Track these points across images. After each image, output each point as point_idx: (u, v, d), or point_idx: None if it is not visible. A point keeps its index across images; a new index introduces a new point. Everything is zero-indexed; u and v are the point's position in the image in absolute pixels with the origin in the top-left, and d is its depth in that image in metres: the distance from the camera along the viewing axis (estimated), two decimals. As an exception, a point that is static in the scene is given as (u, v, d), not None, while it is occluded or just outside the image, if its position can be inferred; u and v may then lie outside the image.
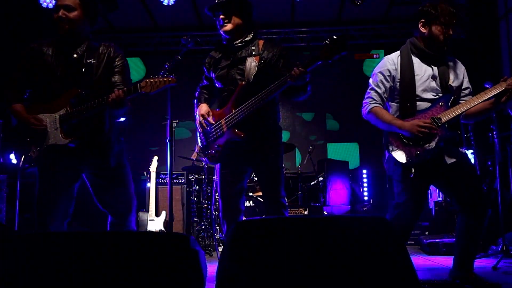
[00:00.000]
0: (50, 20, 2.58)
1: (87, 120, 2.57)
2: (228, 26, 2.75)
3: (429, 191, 5.61)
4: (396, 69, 2.70)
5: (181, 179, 6.06)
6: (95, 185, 2.67)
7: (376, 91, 2.72)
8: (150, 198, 5.55)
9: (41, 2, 5.96)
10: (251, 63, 2.77)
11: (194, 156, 5.59)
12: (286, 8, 7.11)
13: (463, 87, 2.72)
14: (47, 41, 2.64)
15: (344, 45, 2.43)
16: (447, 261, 3.89)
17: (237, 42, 2.78)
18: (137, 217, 5.46)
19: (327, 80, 7.52)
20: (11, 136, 2.69)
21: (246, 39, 2.78)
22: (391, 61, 2.73)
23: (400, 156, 2.61)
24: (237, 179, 2.82)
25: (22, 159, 2.56)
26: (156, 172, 5.69)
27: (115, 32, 7.67)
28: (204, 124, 2.84)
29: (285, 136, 7.58)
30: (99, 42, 2.68)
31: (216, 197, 5.11)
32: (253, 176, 5.10)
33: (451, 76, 2.68)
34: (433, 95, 2.65)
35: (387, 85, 2.71)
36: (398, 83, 2.68)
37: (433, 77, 2.66)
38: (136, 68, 7.86)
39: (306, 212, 5.32)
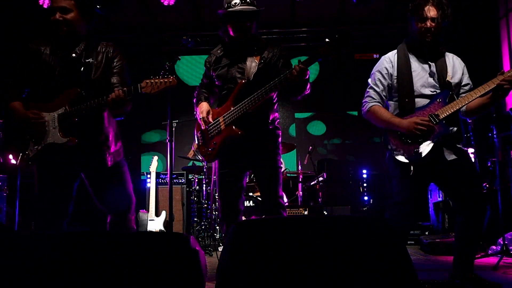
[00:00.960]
0: (48, 20, 2.58)
1: (85, 120, 2.56)
2: (243, 34, 2.75)
3: (429, 191, 5.62)
4: (393, 66, 2.71)
5: (181, 179, 6.06)
6: (93, 184, 2.67)
7: (374, 90, 2.73)
8: (150, 198, 5.55)
9: (41, 3, 5.96)
10: (252, 63, 2.78)
11: (190, 154, 5.58)
12: (286, 8, 7.11)
13: (463, 84, 2.70)
14: (45, 40, 2.64)
15: (344, 42, 2.44)
16: (447, 261, 3.89)
17: (239, 41, 2.79)
18: (137, 217, 5.47)
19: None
20: (11, 134, 2.69)
21: (248, 39, 2.79)
22: (388, 59, 2.75)
23: (399, 154, 2.61)
24: (235, 179, 2.83)
25: (20, 158, 2.56)
26: (155, 172, 5.70)
27: (115, 32, 7.66)
28: (203, 123, 2.85)
29: (286, 136, 7.59)
30: (98, 41, 2.68)
31: (216, 196, 5.11)
32: (253, 176, 5.10)
33: (449, 72, 2.67)
34: (431, 91, 2.64)
35: (385, 83, 2.72)
36: (395, 80, 2.69)
37: (431, 73, 2.66)
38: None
39: (306, 212, 5.31)
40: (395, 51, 2.77)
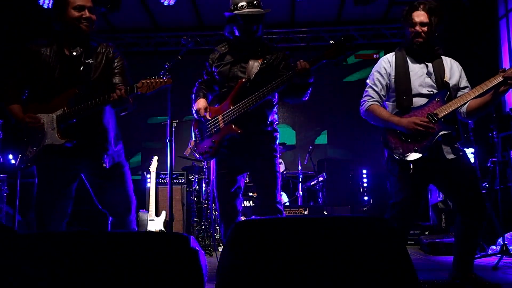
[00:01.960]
0: (47, 21, 2.58)
1: (84, 121, 2.56)
2: (251, 36, 2.76)
3: (429, 192, 5.62)
4: (391, 66, 2.75)
5: (181, 179, 6.06)
6: (93, 185, 2.67)
7: (373, 89, 2.76)
8: (150, 198, 5.55)
9: (41, 3, 5.96)
10: (254, 63, 2.79)
11: (187, 152, 5.57)
12: (286, 8, 7.11)
13: (461, 86, 2.72)
14: (44, 41, 2.64)
15: (349, 46, 2.49)
16: (447, 261, 3.89)
17: (244, 42, 2.79)
18: (137, 217, 5.47)
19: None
20: (10, 135, 2.70)
21: (253, 40, 2.79)
22: (386, 59, 2.79)
23: (398, 153, 2.62)
24: (233, 179, 2.82)
25: (18, 159, 2.57)
26: (156, 171, 5.70)
27: (115, 32, 7.66)
28: (204, 117, 2.82)
29: (286, 135, 7.59)
30: (98, 41, 2.68)
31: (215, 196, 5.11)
32: (249, 173, 5.09)
33: (447, 74, 2.69)
34: (428, 91, 2.66)
35: (383, 82, 2.75)
36: (393, 79, 2.72)
37: (428, 73, 2.69)
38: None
39: (306, 212, 5.31)
40: (393, 52, 2.81)
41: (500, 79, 2.51)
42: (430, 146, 2.55)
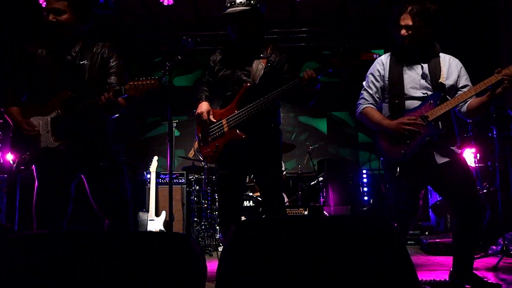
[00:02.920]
0: (43, 21, 2.56)
1: (79, 122, 2.56)
2: (242, 36, 2.72)
3: (429, 192, 5.62)
4: (384, 68, 2.75)
5: (181, 179, 6.06)
6: (90, 187, 2.67)
7: (368, 92, 2.78)
8: (150, 198, 5.55)
9: (41, 2, 5.96)
10: (258, 65, 2.76)
11: (191, 154, 5.58)
12: (286, 8, 7.11)
13: (460, 85, 2.70)
14: (41, 42, 2.63)
15: (356, 55, 2.48)
16: (447, 261, 3.89)
17: (243, 43, 2.77)
18: (137, 217, 5.47)
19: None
20: (8, 137, 2.70)
21: (251, 40, 2.77)
22: (380, 61, 2.79)
23: (387, 156, 2.64)
24: (235, 180, 2.82)
25: (16, 161, 2.57)
26: (155, 172, 5.70)
27: (115, 32, 7.66)
28: (207, 120, 2.81)
29: (286, 135, 7.59)
30: (95, 42, 2.65)
31: (216, 196, 5.11)
32: (253, 177, 5.10)
33: (444, 74, 2.66)
34: (422, 93, 2.65)
35: (378, 85, 2.76)
36: (387, 81, 2.72)
37: (423, 75, 2.67)
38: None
39: (306, 212, 5.31)
40: (389, 53, 2.80)
41: (495, 79, 2.49)
42: (418, 149, 2.54)
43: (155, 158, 5.76)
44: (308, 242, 1.51)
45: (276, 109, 2.84)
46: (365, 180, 7.21)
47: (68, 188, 2.62)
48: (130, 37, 7.73)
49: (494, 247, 4.21)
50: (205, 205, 5.53)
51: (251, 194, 5.26)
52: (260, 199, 5.10)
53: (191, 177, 5.88)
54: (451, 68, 2.70)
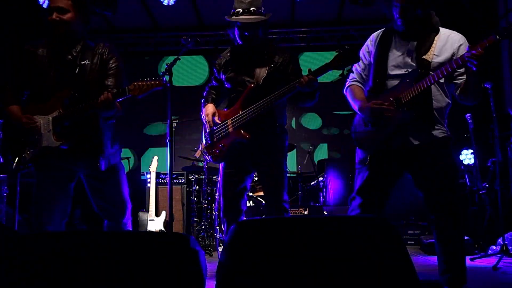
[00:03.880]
0: (46, 21, 2.57)
1: (79, 122, 2.56)
2: (250, 42, 2.76)
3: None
4: (373, 44, 2.59)
5: (181, 179, 6.06)
6: (89, 187, 2.68)
7: (356, 69, 2.64)
8: (150, 198, 5.55)
9: (41, 3, 5.95)
10: (262, 67, 2.80)
11: (197, 154, 5.58)
12: (286, 8, 7.11)
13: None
14: (42, 42, 2.63)
15: (355, 55, 2.44)
16: (447, 261, 3.88)
17: (250, 46, 2.80)
18: (137, 217, 5.47)
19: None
20: (10, 135, 2.70)
21: (255, 44, 2.80)
22: (372, 37, 2.64)
23: (359, 140, 2.53)
24: (240, 179, 2.84)
25: (16, 161, 2.57)
26: (155, 172, 5.70)
27: (115, 32, 7.66)
28: (208, 126, 2.87)
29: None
30: (96, 42, 2.66)
31: (216, 196, 5.10)
32: (254, 176, 5.09)
33: (435, 51, 2.40)
34: (404, 71, 2.43)
35: (366, 62, 2.61)
36: (373, 58, 2.56)
37: (408, 52, 2.44)
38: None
39: (306, 212, 5.32)
40: (383, 29, 2.62)
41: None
42: (391, 134, 2.37)
43: (155, 158, 5.76)
44: (308, 242, 1.51)
45: (281, 108, 2.87)
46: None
47: (68, 188, 2.63)
48: (130, 37, 7.73)
49: (494, 247, 4.22)
50: (205, 205, 5.53)
51: (251, 194, 5.26)
52: (261, 199, 5.10)
53: (191, 177, 5.88)
54: (446, 45, 2.43)
